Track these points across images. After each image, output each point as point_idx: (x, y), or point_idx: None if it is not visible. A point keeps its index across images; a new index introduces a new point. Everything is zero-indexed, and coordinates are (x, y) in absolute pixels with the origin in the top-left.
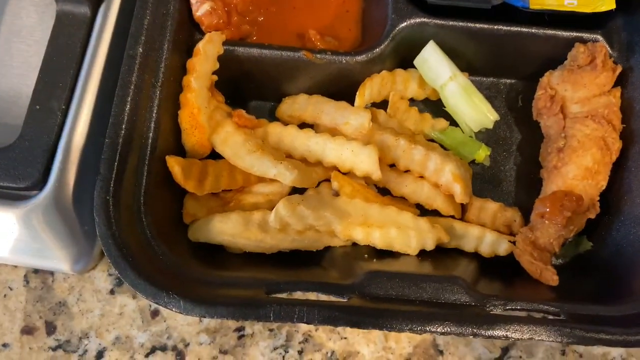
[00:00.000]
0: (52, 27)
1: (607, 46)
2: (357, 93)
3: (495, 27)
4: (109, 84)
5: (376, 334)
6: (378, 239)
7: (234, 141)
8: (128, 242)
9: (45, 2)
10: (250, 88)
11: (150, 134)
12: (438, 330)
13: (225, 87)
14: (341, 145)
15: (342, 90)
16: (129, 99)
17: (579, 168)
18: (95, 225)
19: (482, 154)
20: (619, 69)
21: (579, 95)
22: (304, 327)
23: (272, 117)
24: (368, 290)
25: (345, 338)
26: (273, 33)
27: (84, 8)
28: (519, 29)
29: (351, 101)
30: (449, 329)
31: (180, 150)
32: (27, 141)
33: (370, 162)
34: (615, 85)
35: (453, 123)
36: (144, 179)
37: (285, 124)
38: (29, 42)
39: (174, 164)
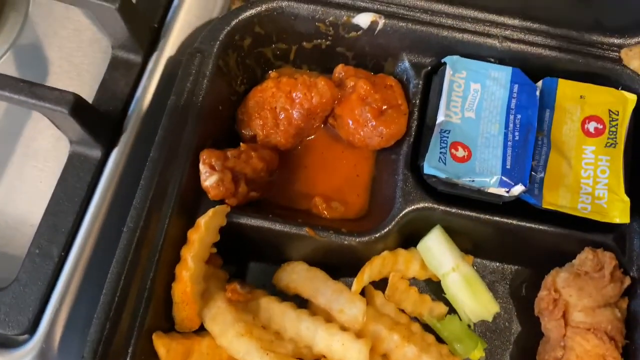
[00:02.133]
0: (63, 167)
1: (619, 251)
2: (356, 278)
3: (505, 220)
4: (112, 230)
5: None
6: None
7: (223, 320)
8: None
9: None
10: (250, 250)
11: (140, 312)
12: None
13: (225, 247)
14: (332, 336)
15: (344, 260)
16: (123, 276)
17: None
18: None
19: (477, 354)
20: (627, 282)
21: (583, 303)
22: None
23: (270, 279)
24: None
25: None
26: (281, 190)
27: (95, 151)
28: (530, 225)
29: (353, 270)
30: None
31: (169, 319)
32: (22, 286)
33: (360, 359)
34: (623, 294)
35: (452, 308)
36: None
37: (281, 292)
38: (41, 166)
39: (160, 346)
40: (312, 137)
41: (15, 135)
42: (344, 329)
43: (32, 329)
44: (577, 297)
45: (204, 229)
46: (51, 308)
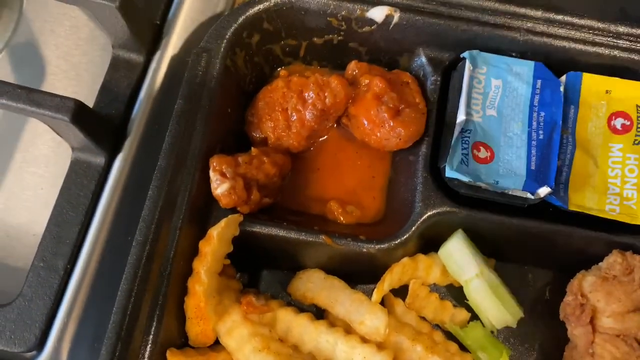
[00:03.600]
0: (65, 174)
1: None
2: (376, 288)
3: (530, 224)
4: (118, 240)
5: None
6: None
7: (239, 334)
8: None
9: None
10: (263, 259)
11: (152, 330)
12: None
13: (237, 257)
14: (352, 349)
15: (360, 269)
16: (134, 294)
17: None
18: None
19: None
20: None
21: (612, 308)
22: None
23: (284, 288)
24: None
25: None
26: (293, 195)
27: (99, 158)
28: (555, 228)
29: (369, 278)
30: None
31: (183, 334)
32: (27, 301)
33: None
34: None
35: (475, 313)
36: None
37: (298, 301)
38: (41, 172)
39: None
40: (325, 137)
41: (14, 139)
42: (364, 340)
43: (40, 346)
44: (605, 302)
45: (217, 241)
46: (58, 323)
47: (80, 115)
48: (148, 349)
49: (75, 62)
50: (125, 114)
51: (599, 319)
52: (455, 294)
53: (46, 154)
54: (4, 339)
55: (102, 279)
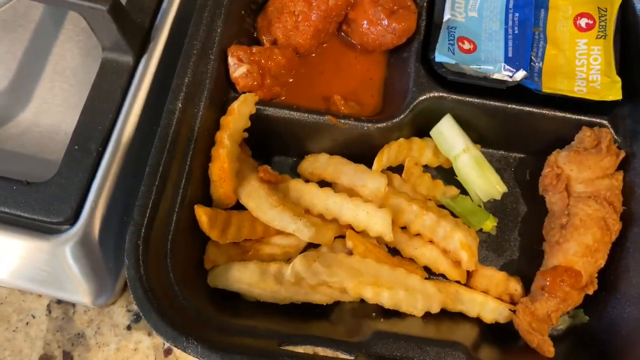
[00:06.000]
0: (96, 72)
1: (613, 131)
2: (376, 158)
3: (509, 105)
4: (144, 129)
5: None
6: (386, 299)
7: (257, 195)
8: (154, 286)
9: (89, 47)
10: (275, 144)
11: (182, 184)
12: None
13: (253, 142)
14: (357, 207)
15: (362, 151)
16: (166, 150)
17: (579, 245)
18: (125, 268)
19: (489, 224)
20: (622, 155)
21: (583, 176)
22: None
23: (294, 172)
24: (374, 350)
25: None
26: (301, 94)
27: (127, 57)
28: (531, 109)
29: (369, 162)
30: None
31: (207, 199)
32: (63, 179)
33: (384, 224)
34: (618, 169)
35: (464, 191)
36: (172, 225)
37: (306, 180)
38: (71, 82)
39: (202, 214)
40: (327, 45)
41: (45, 54)
42: (367, 202)
43: (75, 218)
44: (577, 171)
45: (237, 112)
46: (91, 198)
47: (116, 8)
48: (178, 200)
49: None
50: (150, 23)
51: (572, 185)
52: (444, 175)
53: (74, 67)
54: (44, 210)
55: (130, 162)
